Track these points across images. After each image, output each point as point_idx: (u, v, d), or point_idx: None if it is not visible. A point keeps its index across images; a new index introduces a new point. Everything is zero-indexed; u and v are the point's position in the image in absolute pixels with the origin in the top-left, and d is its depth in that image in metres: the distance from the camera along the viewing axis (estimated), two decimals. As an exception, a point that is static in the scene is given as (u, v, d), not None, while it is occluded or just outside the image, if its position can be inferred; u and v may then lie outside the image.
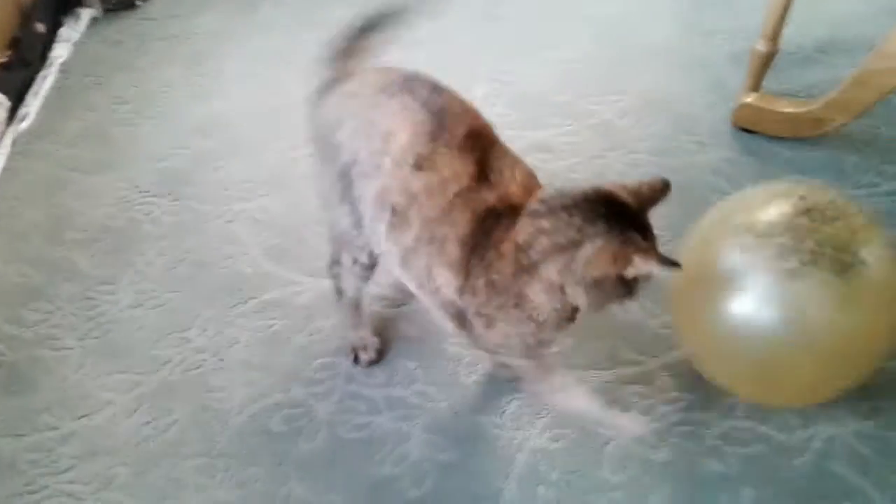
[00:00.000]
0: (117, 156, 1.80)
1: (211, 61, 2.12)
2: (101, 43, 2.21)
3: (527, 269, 0.94)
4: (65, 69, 2.09)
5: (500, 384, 1.26)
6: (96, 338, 1.40)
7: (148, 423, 1.26)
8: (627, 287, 0.94)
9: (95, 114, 1.93)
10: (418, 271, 1.03)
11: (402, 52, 2.04)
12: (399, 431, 1.21)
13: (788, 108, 1.63)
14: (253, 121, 1.88)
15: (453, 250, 0.98)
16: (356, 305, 1.29)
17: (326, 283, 1.30)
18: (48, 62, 2.11)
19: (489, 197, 0.98)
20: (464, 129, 1.01)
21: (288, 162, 1.74)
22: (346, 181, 1.07)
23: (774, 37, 1.62)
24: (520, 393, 1.24)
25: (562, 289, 0.94)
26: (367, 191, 1.04)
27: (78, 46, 2.20)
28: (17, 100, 1.95)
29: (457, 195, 0.97)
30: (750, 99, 1.66)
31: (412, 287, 1.08)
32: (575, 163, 1.67)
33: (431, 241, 0.99)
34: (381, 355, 1.32)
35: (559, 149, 1.71)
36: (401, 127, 1.00)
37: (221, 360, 1.34)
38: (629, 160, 1.66)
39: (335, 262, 1.23)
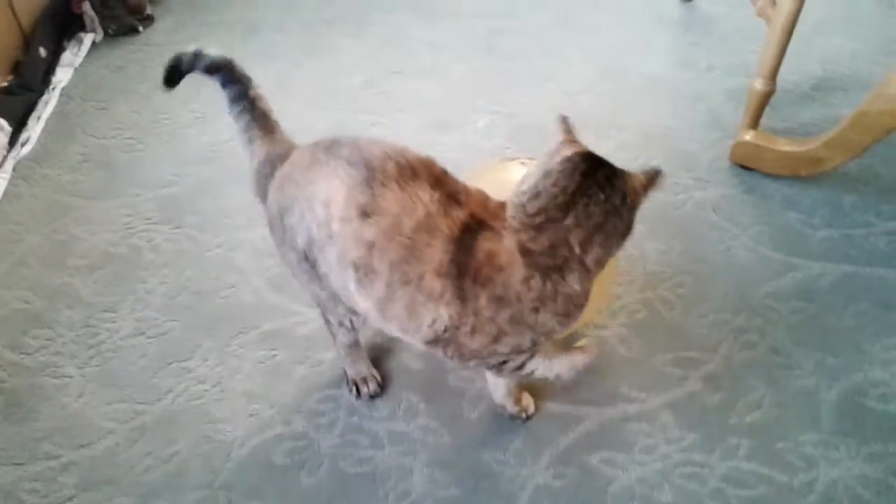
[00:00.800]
0: (118, 182, 1.80)
1: (212, 88, 2.12)
2: (103, 68, 2.22)
3: (557, 267, 0.97)
4: (66, 94, 2.10)
5: (504, 420, 1.26)
6: (97, 366, 1.39)
7: (149, 453, 1.26)
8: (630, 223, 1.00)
9: (97, 139, 1.94)
10: (398, 316, 1.02)
11: (403, 82, 2.09)
12: (402, 467, 1.21)
13: (787, 147, 1.66)
14: (255, 149, 1.89)
15: (434, 284, 0.98)
16: (352, 345, 1.29)
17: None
18: (50, 86, 2.11)
19: (461, 215, 0.98)
20: (395, 164, 1.00)
21: (290, 191, 1.75)
22: (310, 262, 1.08)
23: (772, 75, 1.65)
24: (521, 429, 1.24)
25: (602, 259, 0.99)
26: (330, 262, 1.04)
27: (79, 71, 2.21)
28: (19, 124, 1.96)
29: (416, 229, 0.97)
30: (748, 137, 1.69)
31: (395, 333, 1.08)
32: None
33: (406, 283, 0.98)
34: (382, 388, 1.32)
35: (560, 182, 1.72)
36: (335, 188, 1.01)
37: (223, 390, 1.34)
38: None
39: (325, 319, 1.25)
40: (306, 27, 2.35)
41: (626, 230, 1.00)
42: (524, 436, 1.24)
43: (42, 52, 2.15)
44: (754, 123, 1.71)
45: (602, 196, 0.96)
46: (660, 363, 1.33)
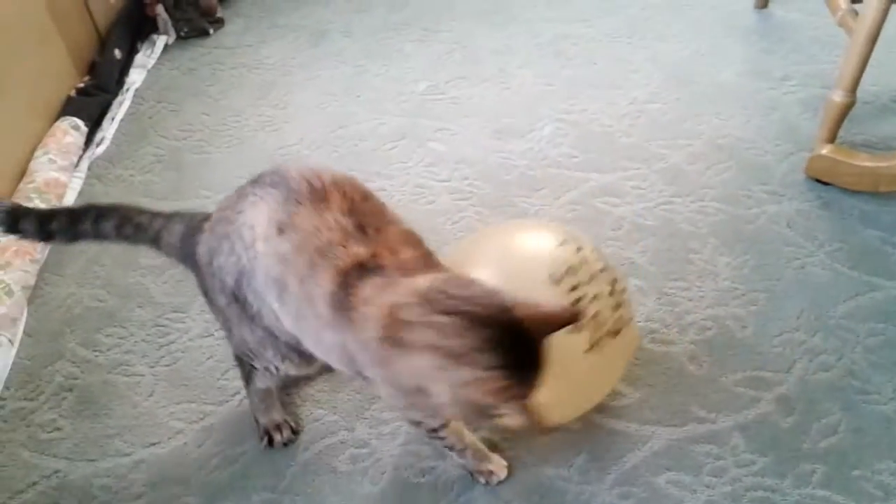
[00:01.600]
0: (188, 183, 1.84)
1: (280, 91, 2.16)
2: (175, 70, 2.27)
3: (398, 343, 0.89)
4: (139, 95, 2.15)
5: (568, 436, 1.24)
6: (167, 366, 1.42)
7: (216, 454, 1.28)
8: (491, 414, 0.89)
9: (168, 141, 1.98)
10: (312, 339, 1.02)
11: (468, 89, 2.08)
12: (464, 479, 1.21)
13: (866, 162, 1.60)
14: (320, 152, 1.91)
15: (324, 310, 0.95)
16: (268, 392, 1.26)
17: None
18: (124, 87, 2.17)
19: (359, 251, 0.95)
20: (308, 185, 0.99)
21: (355, 196, 1.76)
22: (239, 302, 1.07)
23: (852, 88, 1.60)
24: (587, 446, 1.23)
25: (425, 386, 0.90)
26: (258, 290, 1.03)
27: (152, 73, 2.27)
28: (95, 125, 2.01)
29: (317, 250, 0.96)
30: (825, 150, 1.64)
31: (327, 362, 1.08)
32: (642, 208, 1.65)
33: (309, 302, 0.97)
34: (297, 433, 1.29)
35: (626, 193, 1.70)
36: (260, 211, 1.01)
37: (287, 394, 1.35)
38: (697, 207, 1.65)
39: (246, 366, 1.21)
40: (373, 32, 2.37)
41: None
42: (588, 453, 1.22)
43: (117, 53, 2.21)
44: (832, 137, 1.65)
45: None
46: (730, 383, 1.30)
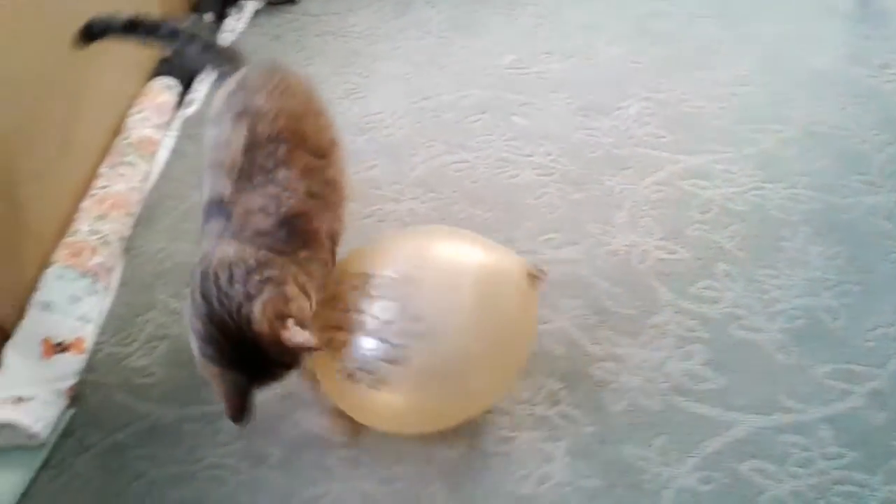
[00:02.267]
0: (276, 146, 1.87)
1: (364, 60, 2.18)
2: (262, 36, 2.31)
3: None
4: (229, 58, 2.19)
5: (650, 416, 1.23)
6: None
7: (300, 408, 1.30)
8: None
9: (256, 103, 2.01)
10: None
11: (554, 64, 2.06)
12: (542, 451, 1.21)
13: (974, 156, 1.54)
14: (404, 123, 1.93)
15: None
16: None
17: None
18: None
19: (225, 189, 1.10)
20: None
21: (436, 167, 1.77)
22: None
23: (963, 78, 1.53)
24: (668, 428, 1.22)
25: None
26: None
27: (240, 38, 2.31)
28: (186, 86, 2.06)
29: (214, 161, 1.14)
30: (929, 142, 1.58)
31: None
32: (732, 193, 1.62)
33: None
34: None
35: (715, 176, 1.67)
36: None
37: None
38: (789, 195, 1.60)
39: None
40: (458, 4, 2.36)
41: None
42: (670, 434, 1.21)
43: (208, 17, 2.26)
44: (937, 128, 1.59)
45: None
46: (820, 374, 1.27)
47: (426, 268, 1.16)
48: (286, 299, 1.01)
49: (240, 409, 1.00)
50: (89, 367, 1.41)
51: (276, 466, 1.23)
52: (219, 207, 1.08)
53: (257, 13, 2.41)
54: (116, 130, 1.82)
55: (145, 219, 1.70)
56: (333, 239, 1.19)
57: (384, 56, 2.18)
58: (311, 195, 1.11)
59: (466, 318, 1.12)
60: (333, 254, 1.19)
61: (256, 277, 1.00)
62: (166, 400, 1.35)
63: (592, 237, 1.55)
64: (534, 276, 1.17)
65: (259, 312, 0.98)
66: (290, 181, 1.09)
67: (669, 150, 1.75)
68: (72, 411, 1.33)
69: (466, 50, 2.17)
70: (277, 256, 1.05)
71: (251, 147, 1.09)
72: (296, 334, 0.98)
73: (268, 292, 1.00)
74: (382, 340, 1.08)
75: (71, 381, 1.35)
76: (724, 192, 1.62)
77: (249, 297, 0.98)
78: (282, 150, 1.10)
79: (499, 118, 1.90)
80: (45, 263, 1.46)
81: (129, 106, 1.88)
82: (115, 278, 1.56)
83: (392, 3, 2.40)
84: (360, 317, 1.11)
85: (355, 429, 1.23)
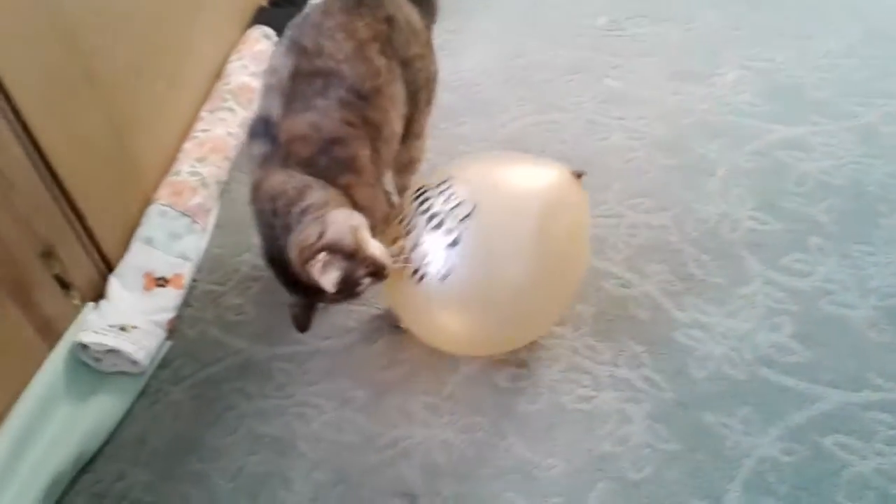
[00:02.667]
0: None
1: (457, 17, 2.17)
2: (356, -13, 2.32)
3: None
4: (323, 9, 2.22)
5: (736, 385, 1.23)
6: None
7: (384, 354, 1.35)
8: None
9: (349, 56, 2.04)
10: None
11: (650, 26, 2.02)
12: (622, 412, 1.23)
13: None
14: (495, 81, 1.93)
15: None
16: None
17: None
18: (309, 1, 2.24)
19: (275, 109, 1.17)
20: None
21: (526, 126, 1.77)
22: None
23: None
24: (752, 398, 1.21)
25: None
26: None
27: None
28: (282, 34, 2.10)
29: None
30: None
31: None
32: (829, 166, 1.58)
33: None
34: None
35: (813, 148, 1.62)
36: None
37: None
38: (891, 171, 1.55)
39: None
40: (553, -38, 2.33)
41: None
42: (754, 405, 1.21)
43: (304, -33, 2.28)
44: None
45: None
46: (914, 354, 1.24)
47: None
48: (322, 228, 1.06)
49: (301, 322, 1.15)
50: (186, 302, 1.47)
51: (361, 409, 1.28)
52: (265, 126, 1.15)
53: (351, -34, 2.43)
54: (218, 74, 1.87)
55: (241, 163, 1.75)
56: (378, 166, 1.23)
57: (477, 13, 2.18)
58: (348, 123, 1.16)
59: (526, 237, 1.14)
60: (379, 180, 1.27)
61: (296, 208, 1.08)
62: (258, 338, 1.40)
63: (682, 203, 1.53)
64: (577, 175, 1.19)
65: (294, 254, 1.06)
66: (327, 109, 1.15)
67: (766, 120, 1.71)
68: (169, 343, 1.40)
69: (560, 10, 2.15)
70: (316, 181, 1.12)
71: (295, 76, 1.16)
72: (321, 274, 1.04)
73: (305, 224, 1.07)
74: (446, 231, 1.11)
75: (170, 315, 1.41)
76: (821, 165, 1.58)
77: (288, 230, 1.07)
78: (319, 83, 1.16)
79: (591, 80, 1.88)
80: (148, 200, 1.52)
81: (230, 52, 1.93)
82: (212, 220, 1.62)
83: (486, -41, 2.38)
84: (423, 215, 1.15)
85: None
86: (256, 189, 1.14)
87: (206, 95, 1.81)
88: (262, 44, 1.98)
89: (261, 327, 1.42)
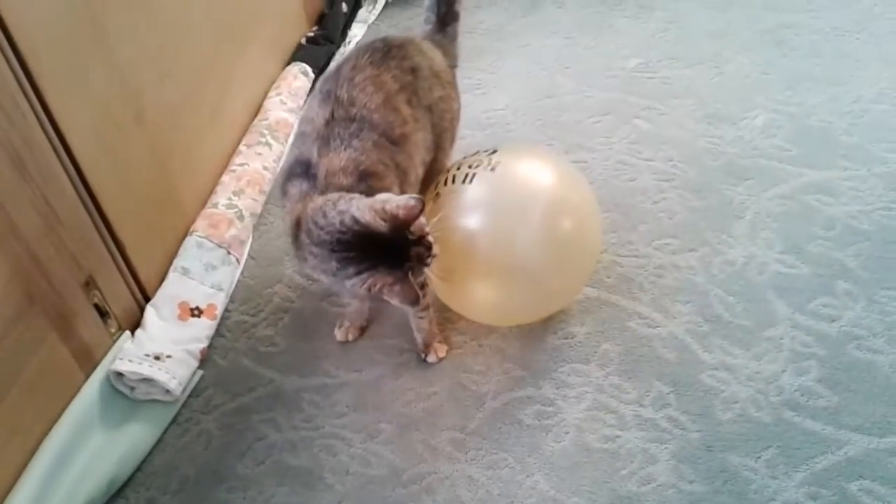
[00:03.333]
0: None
1: (490, 56, 2.22)
2: (392, 27, 2.39)
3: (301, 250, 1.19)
4: (360, 48, 2.28)
5: (760, 429, 1.23)
6: (371, 302, 1.53)
7: (411, 389, 1.37)
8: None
9: (383, 94, 2.09)
10: None
11: (680, 69, 2.05)
12: (647, 452, 1.23)
13: None
14: (525, 120, 1.96)
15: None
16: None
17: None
18: (346, 40, 2.31)
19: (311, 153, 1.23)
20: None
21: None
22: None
23: None
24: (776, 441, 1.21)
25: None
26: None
27: (372, 28, 2.40)
28: (320, 71, 2.16)
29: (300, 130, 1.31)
30: None
31: None
32: (857, 211, 1.58)
33: None
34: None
35: (841, 193, 1.63)
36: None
37: (480, 345, 1.43)
38: (921, 217, 1.55)
39: None
40: (586, 5, 2.37)
41: None
42: (778, 448, 1.20)
43: (343, 7, 2.36)
44: None
45: None
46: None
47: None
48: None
49: (413, 293, 1.11)
50: (218, 332, 1.51)
51: (387, 442, 1.30)
52: (304, 168, 1.20)
53: (388, 5, 2.49)
54: (257, 110, 1.93)
55: (276, 197, 1.79)
56: None
57: (510, 54, 2.22)
58: (382, 163, 1.23)
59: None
60: None
61: (342, 201, 1.12)
62: (288, 369, 1.43)
63: (709, 245, 1.55)
64: None
65: (357, 209, 1.09)
66: (363, 148, 1.21)
67: (795, 164, 1.72)
68: (201, 372, 1.44)
69: (591, 51, 2.19)
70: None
71: (331, 122, 1.23)
72: (392, 200, 1.08)
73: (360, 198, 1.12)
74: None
75: (203, 344, 1.45)
76: (850, 210, 1.58)
77: (342, 213, 1.09)
78: (354, 127, 1.23)
79: (620, 121, 1.91)
80: (185, 231, 1.57)
81: (269, 88, 1.99)
82: (246, 251, 1.66)
83: (520, 1, 2.44)
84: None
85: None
86: (298, 223, 1.17)
87: (244, 129, 1.86)
88: (300, 80, 2.04)
89: (291, 359, 1.45)
